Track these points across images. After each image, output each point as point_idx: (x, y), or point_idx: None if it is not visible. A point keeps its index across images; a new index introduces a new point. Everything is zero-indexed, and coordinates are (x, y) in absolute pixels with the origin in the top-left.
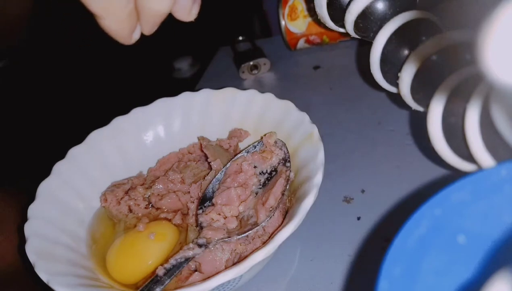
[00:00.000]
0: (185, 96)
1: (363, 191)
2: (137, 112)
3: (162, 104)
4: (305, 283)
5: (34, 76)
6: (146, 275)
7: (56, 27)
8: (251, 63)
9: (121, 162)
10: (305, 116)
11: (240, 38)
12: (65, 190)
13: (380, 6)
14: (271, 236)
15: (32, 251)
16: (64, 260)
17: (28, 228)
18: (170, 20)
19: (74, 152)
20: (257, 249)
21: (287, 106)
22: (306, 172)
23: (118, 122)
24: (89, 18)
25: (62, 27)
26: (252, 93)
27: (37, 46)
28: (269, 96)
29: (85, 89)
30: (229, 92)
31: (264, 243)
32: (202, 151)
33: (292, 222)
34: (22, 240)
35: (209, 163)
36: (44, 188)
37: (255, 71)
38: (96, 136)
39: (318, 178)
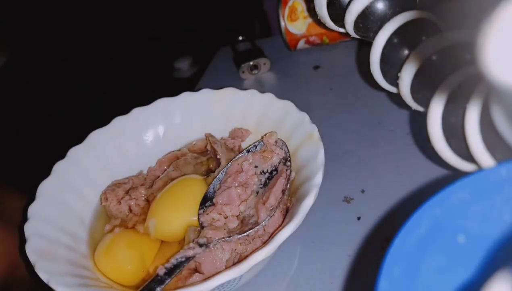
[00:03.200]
0: (185, 96)
1: (363, 191)
2: (137, 112)
3: (162, 105)
4: (305, 283)
5: (35, 75)
6: (128, 277)
7: (57, 27)
8: (251, 63)
9: (122, 162)
10: (305, 116)
11: (240, 38)
12: (65, 190)
13: (380, 6)
14: (271, 236)
15: (32, 251)
16: (64, 260)
17: (28, 228)
18: (170, 21)
19: (74, 152)
20: (257, 249)
21: (287, 106)
22: (306, 172)
23: (118, 122)
24: (90, 20)
25: (63, 27)
26: (252, 93)
27: (38, 46)
28: (269, 97)
29: (85, 89)
30: (229, 92)
31: (265, 243)
32: (205, 149)
33: (292, 222)
34: (22, 240)
35: (218, 159)
36: (44, 188)
37: (255, 71)
38: (96, 136)
39: (318, 178)
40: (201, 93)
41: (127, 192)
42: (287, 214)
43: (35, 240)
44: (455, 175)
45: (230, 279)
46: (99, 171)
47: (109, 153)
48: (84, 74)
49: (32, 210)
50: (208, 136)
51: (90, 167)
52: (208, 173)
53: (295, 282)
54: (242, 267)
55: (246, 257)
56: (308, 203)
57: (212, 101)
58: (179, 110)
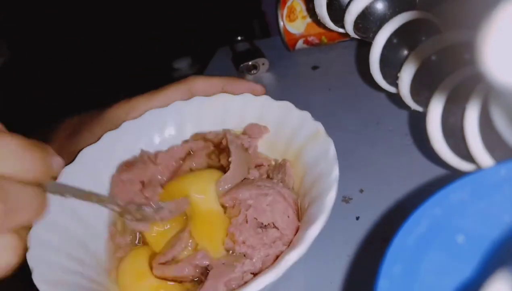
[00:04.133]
0: (176, 106)
1: (361, 191)
2: (128, 126)
3: (153, 116)
4: (304, 283)
5: (34, 76)
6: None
7: (56, 27)
8: (250, 63)
9: None
10: (307, 115)
11: (239, 38)
12: (63, 214)
13: (380, 6)
14: (293, 239)
15: (41, 280)
16: (76, 286)
17: (31, 257)
18: (169, 21)
19: (67, 172)
20: (283, 251)
21: (287, 106)
22: (319, 169)
23: (109, 137)
24: (90, 20)
25: (63, 27)
26: (247, 98)
27: (38, 46)
28: (266, 99)
29: (85, 89)
30: (222, 99)
31: (289, 245)
32: (220, 143)
33: (320, 218)
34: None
35: (229, 161)
36: None
37: (254, 71)
38: (88, 154)
39: (335, 173)
40: (192, 102)
41: (142, 186)
42: (305, 215)
43: (42, 269)
44: (454, 174)
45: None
46: (93, 189)
47: (102, 170)
48: (84, 74)
49: (32, 237)
50: (226, 134)
51: (84, 186)
52: (221, 169)
53: (295, 282)
54: (278, 270)
55: (273, 260)
56: (330, 199)
57: (205, 109)
58: (172, 121)
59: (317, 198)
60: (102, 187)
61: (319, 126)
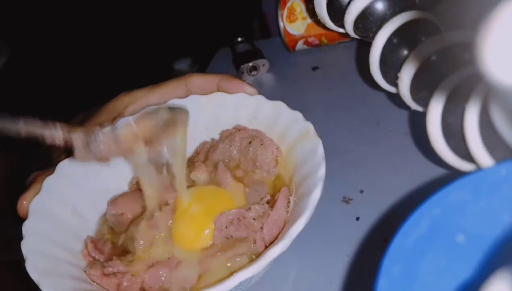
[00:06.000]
0: (172, 104)
1: (361, 191)
2: (124, 122)
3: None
4: (304, 283)
5: (34, 77)
6: None
7: (56, 28)
8: (250, 64)
9: (113, 171)
10: (298, 115)
11: (239, 39)
12: (57, 205)
13: (380, 6)
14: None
15: (33, 268)
16: (68, 276)
17: (25, 246)
18: (169, 22)
19: (64, 165)
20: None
21: (279, 106)
22: (307, 168)
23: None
24: (91, 21)
25: (62, 28)
26: (241, 97)
27: (38, 47)
28: (260, 98)
29: (85, 91)
30: (217, 97)
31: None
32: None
33: (303, 216)
34: (14, 259)
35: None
36: (37, 204)
37: (254, 72)
38: None
39: (321, 172)
40: (189, 100)
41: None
42: (293, 210)
43: (35, 258)
44: (454, 174)
45: (246, 278)
46: (90, 182)
47: (96, 165)
48: (84, 76)
49: (27, 227)
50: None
51: (80, 179)
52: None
53: (295, 282)
54: (260, 263)
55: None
56: (314, 197)
57: (201, 107)
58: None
59: (303, 196)
60: (95, 181)
61: (309, 126)
